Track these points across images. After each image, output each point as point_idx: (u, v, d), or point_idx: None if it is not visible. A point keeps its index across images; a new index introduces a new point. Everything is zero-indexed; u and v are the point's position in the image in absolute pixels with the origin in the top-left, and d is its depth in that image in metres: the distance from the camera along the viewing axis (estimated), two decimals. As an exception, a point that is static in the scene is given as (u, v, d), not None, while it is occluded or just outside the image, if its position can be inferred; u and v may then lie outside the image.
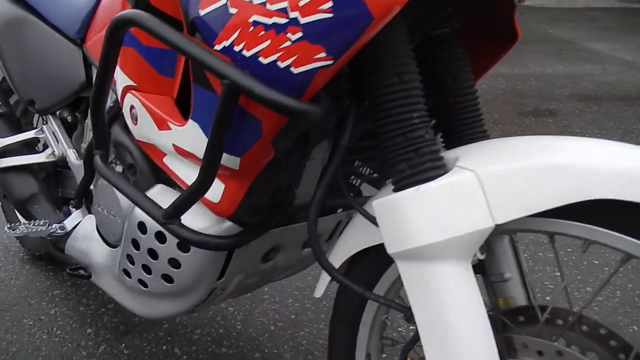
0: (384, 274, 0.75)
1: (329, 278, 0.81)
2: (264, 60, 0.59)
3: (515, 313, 0.69)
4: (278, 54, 0.58)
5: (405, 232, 0.62)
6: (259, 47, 0.59)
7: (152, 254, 0.84)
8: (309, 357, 1.27)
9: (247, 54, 0.60)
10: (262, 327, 1.38)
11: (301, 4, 0.56)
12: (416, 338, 0.71)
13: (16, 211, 1.33)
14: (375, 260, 0.75)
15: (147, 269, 0.86)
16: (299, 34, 0.57)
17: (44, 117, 1.26)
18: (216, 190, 0.73)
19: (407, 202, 0.62)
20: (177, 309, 0.90)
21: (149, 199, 0.77)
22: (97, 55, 1.03)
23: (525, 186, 0.58)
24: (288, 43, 0.57)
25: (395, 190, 0.65)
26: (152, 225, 0.82)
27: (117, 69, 0.86)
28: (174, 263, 0.83)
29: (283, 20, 0.57)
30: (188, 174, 0.76)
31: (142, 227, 0.84)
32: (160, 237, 0.82)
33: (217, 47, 0.62)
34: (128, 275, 0.91)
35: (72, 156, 1.19)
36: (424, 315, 0.64)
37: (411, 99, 0.62)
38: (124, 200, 0.96)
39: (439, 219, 0.60)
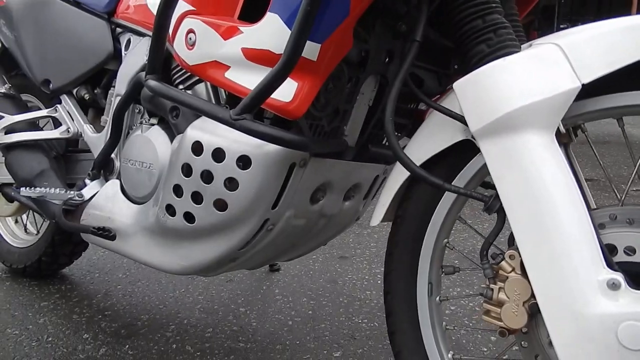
0: (459, 172, 0.74)
1: (388, 202, 0.80)
2: None
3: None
4: None
5: (492, 102, 0.63)
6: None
7: (207, 176, 0.80)
8: (335, 345, 1.19)
9: None
10: (280, 323, 1.29)
11: None
12: (497, 229, 0.70)
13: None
14: (448, 163, 0.75)
15: (197, 197, 0.81)
16: None
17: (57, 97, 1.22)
18: (287, 89, 0.72)
19: (493, 72, 0.63)
20: (224, 248, 0.84)
21: (215, 104, 0.75)
22: (132, 19, 1.05)
23: (605, 45, 0.61)
24: None
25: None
26: (210, 142, 0.79)
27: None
28: (231, 184, 0.79)
29: None
30: (254, 80, 0.75)
31: (197, 147, 0.80)
32: (217, 154, 0.78)
33: None
34: (172, 212, 0.85)
35: (89, 131, 1.15)
36: (513, 192, 0.63)
37: None
38: (162, 145, 0.93)
39: (526, 84, 0.62)
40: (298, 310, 1.35)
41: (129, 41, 1.07)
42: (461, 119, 0.67)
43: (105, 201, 1.02)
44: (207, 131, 0.80)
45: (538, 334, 0.68)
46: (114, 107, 1.03)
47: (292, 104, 0.72)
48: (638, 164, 0.66)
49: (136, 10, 1.05)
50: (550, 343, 0.62)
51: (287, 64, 0.66)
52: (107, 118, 1.11)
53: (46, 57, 1.20)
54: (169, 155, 0.90)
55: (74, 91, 1.20)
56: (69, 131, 1.17)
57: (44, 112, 1.22)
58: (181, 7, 0.83)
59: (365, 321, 1.29)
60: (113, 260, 1.69)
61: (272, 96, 0.71)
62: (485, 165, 0.69)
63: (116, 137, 1.04)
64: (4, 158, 1.22)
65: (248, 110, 0.70)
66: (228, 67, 0.78)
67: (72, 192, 1.05)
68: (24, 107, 1.30)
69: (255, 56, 0.74)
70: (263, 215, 0.81)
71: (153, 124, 0.97)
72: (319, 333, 1.24)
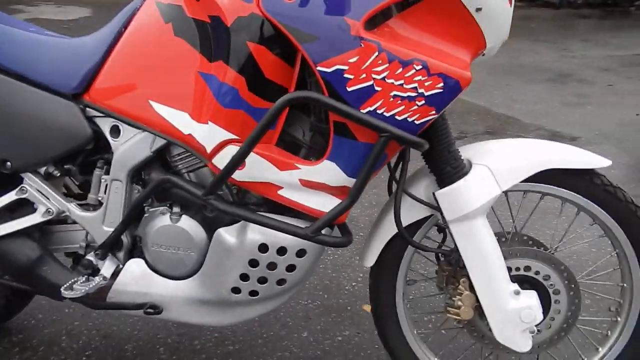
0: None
1: (380, 248, 1.20)
2: (399, 117, 0.97)
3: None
4: (408, 114, 0.97)
5: (461, 204, 1.09)
6: (395, 110, 0.96)
7: (271, 265, 1.08)
8: (301, 322, 1.60)
9: (387, 114, 0.96)
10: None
11: (427, 84, 0.95)
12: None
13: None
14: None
15: (263, 280, 1.09)
16: (423, 101, 0.96)
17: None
18: (332, 203, 1.05)
19: (460, 188, 1.09)
20: (274, 305, 1.16)
21: (288, 222, 1.03)
22: (124, 110, 1.12)
23: (513, 165, 1.11)
24: (415, 107, 0.96)
25: (446, 183, 1.10)
26: (274, 243, 1.06)
27: (200, 126, 1.05)
28: (291, 268, 1.09)
29: (414, 94, 0.96)
30: (307, 198, 1.04)
31: (263, 247, 1.07)
32: (281, 251, 1.07)
33: (363, 111, 0.96)
34: (237, 291, 1.11)
35: (77, 209, 1.21)
36: (471, 252, 1.12)
37: (449, 134, 1.09)
38: (199, 235, 1.14)
39: (478, 193, 1.09)
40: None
41: (116, 128, 1.15)
42: (438, 209, 1.12)
43: (135, 279, 1.17)
44: (269, 235, 1.07)
45: (479, 323, 1.22)
46: (111, 192, 1.15)
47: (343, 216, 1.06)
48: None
49: (131, 103, 1.11)
50: (486, 326, 1.17)
51: (352, 202, 1.00)
52: (96, 197, 1.20)
53: (3, 137, 1.17)
54: (205, 243, 1.13)
55: (41, 169, 1.21)
56: (50, 212, 1.21)
57: (11, 197, 1.20)
58: (218, 134, 1.03)
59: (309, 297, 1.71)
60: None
61: (322, 209, 1.04)
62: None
63: (129, 223, 1.17)
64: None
65: (322, 228, 1.02)
66: (281, 187, 1.05)
67: (96, 279, 1.16)
68: None
69: (312, 185, 1.04)
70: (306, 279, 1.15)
71: (178, 213, 1.15)
72: (284, 320, 1.62)
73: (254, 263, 1.09)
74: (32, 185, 1.21)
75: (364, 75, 0.95)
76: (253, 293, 1.12)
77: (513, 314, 1.13)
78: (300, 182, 1.03)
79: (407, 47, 0.95)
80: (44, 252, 1.20)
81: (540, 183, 1.14)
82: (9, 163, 1.19)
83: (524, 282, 1.17)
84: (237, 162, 1.00)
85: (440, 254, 1.21)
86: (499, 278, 1.13)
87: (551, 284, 1.17)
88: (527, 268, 1.18)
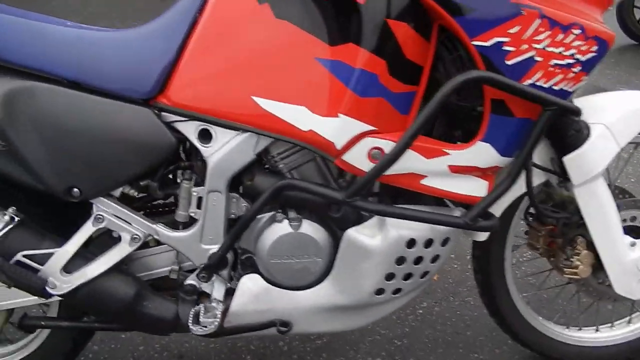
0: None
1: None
2: (556, 87, 0.91)
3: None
4: (565, 82, 0.91)
5: (589, 167, 1.07)
6: (553, 80, 0.90)
7: (418, 260, 1.01)
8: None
9: (545, 85, 0.90)
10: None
11: (583, 49, 0.90)
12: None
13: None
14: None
15: (408, 276, 1.02)
16: (579, 67, 0.91)
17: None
18: (481, 186, 0.99)
19: (587, 151, 1.07)
20: (410, 298, 1.10)
21: (444, 213, 0.96)
22: (197, 105, 0.95)
23: (628, 120, 1.10)
24: (571, 75, 0.91)
25: (572, 148, 1.06)
26: (422, 236, 0.99)
27: (326, 120, 0.93)
28: (435, 259, 1.03)
29: (572, 61, 0.90)
30: (457, 184, 0.97)
31: (411, 242, 0.99)
32: (428, 243, 1.00)
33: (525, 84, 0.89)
34: (380, 292, 1.03)
35: (164, 230, 1.05)
36: (594, 211, 1.12)
37: None
38: (324, 239, 1.04)
39: (602, 154, 1.08)
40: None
41: (205, 132, 0.99)
42: (560, 174, 1.09)
43: (254, 297, 1.06)
44: (416, 228, 0.99)
45: (592, 279, 1.23)
46: (208, 205, 1.01)
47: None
48: None
49: (227, 101, 0.96)
50: (600, 282, 1.20)
51: (512, 182, 0.94)
52: (187, 213, 1.05)
53: (68, 160, 0.98)
54: (331, 246, 1.03)
55: (116, 192, 1.03)
56: (137, 239, 1.04)
57: (88, 229, 1.01)
58: (352, 127, 0.92)
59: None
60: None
61: (470, 193, 0.98)
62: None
63: (238, 237, 1.04)
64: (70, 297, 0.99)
65: (480, 216, 0.96)
66: (424, 177, 0.97)
67: (213, 304, 1.02)
68: (48, 230, 1.02)
69: (461, 170, 0.96)
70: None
71: (297, 218, 1.03)
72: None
73: (400, 260, 1.01)
74: (109, 212, 1.02)
75: (525, 46, 0.87)
76: (397, 291, 1.04)
77: (631, 264, 1.16)
78: (450, 168, 0.95)
79: (562, 10, 0.88)
80: (140, 285, 1.04)
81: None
82: (76, 190, 0.99)
83: (632, 232, 1.20)
84: (396, 156, 0.90)
85: (559, 219, 1.19)
86: (618, 233, 1.14)
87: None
88: (633, 218, 1.21)
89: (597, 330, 1.36)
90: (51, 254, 0.98)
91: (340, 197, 0.95)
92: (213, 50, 0.95)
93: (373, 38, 0.88)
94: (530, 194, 1.06)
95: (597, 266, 1.18)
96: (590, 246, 1.17)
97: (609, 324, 1.37)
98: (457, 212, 1.02)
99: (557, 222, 1.23)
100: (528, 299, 1.37)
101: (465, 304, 1.56)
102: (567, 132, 1.06)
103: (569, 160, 1.07)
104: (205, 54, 0.95)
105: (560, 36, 0.88)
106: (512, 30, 0.86)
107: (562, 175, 1.10)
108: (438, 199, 1.06)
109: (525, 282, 1.61)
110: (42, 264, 0.97)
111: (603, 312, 1.38)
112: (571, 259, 1.20)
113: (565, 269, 1.21)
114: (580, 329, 1.35)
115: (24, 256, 0.96)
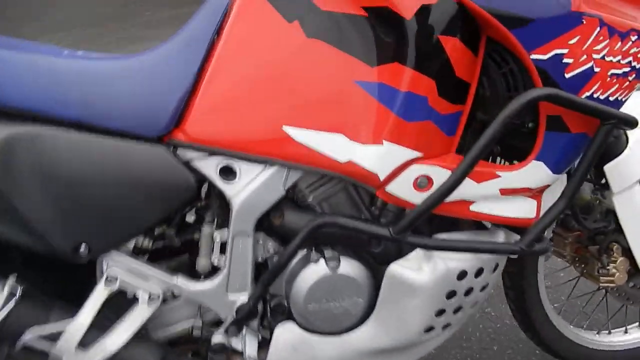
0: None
1: None
2: (611, 98, 0.85)
3: None
4: (620, 92, 0.85)
5: (630, 174, 1.04)
6: (610, 90, 0.84)
7: (468, 291, 0.93)
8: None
9: (602, 97, 0.83)
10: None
11: (639, 56, 0.84)
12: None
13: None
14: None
15: (458, 310, 0.94)
16: (634, 75, 0.85)
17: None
18: (531, 207, 0.92)
19: (627, 158, 1.02)
20: (453, 330, 1.02)
21: (498, 242, 0.88)
22: (219, 139, 0.83)
23: None
24: (626, 84, 0.85)
25: (612, 156, 1.02)
26: (473, 266, 0.90)
27: (367, 148, 0.83)
28: (484, 287, 0.95)
29: (628, 69, 0.84)
30: (508, 207, 0.90)
31: (462, 274, 0.90)
32: (478, 273, 0.92)
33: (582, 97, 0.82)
34: (429, 330, 0.94)
35: (186, 283, 0.92)
36: (632, 217, 1.08)
37: None
38: (365, 278, 0.94)
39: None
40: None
41: (228, 169, 0.87)
42: (601, 185, 1.05)
43: (292, 348, 0.95)
44: (465, 259, 0.91)
45: (625, 284, 1.20)
46: (234, 249, 0.90)
47: (536, 218, 0.93)
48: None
49: (253, 133, 0.84)
50: (632, 286, 1.17)
51: (568, 202, 0.88)
52: (209, 261, 0.93)
53: (73, 214, 0.83)
54: (372, 284, 0.94)
55: (129, 244, 0.90)
56: (156, 297, 0.90)
57: (100, 294, 0.86)
58: (399, 154, 0.83)
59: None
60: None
61: (520, 216, 0.91)
62: None
63: (270, 284, 0.93)
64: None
65: (536, 240, 0.89)
66: (472, 202, 0.89)
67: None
68: (50, 293, 0.87)
69: (512, 192, 0.89)
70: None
71: (335, 257, 0.92)
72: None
73: (451, 294, 0.93)
74: (121, 268, 0.88)
75: (584, 57, 0.80)
76: (446, 326, 0.96)
77: None
78: (501, 191, 0.87)
79: (619, 16, 0.81)
80: (165, 352, 0.90)
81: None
82: (83, 247, 0.85)
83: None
84: (454, 185, 0.81)
85: (594, 229, 1.14)
86: None
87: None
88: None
89: (626, 331, 1.33)
90: (62, 330, 0.83)
91: (389, 234, 0.86)
92: (235, 75, 0.83)
93: (421, 56, 0.78)
94: (574, 207, 1.01)
95: (633, 272, 1.16)
96: (625, 252, 1.14)
97: (637, 323, 1.35)
98: (502, 235, 0.95)
99: (591, 229, 1.18)
100: (559, 309, 1.33)
101: (486, 315, 1.51)
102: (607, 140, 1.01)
103: (609, 168, 1.02)
104: (227, 80, 0.83)
105: (619, 44, 0.81)
106: (572, 41, 0.79)
107: (598, 182, 1.06)
108: (478, 223, 0.99)
109: (555, 291, 1.57)
110: (53, 341, 0.83)
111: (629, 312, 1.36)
112: (607, 267, 1.16)
113: (601, 277, 1.17)
114: (610, 333, 1.33)
115: (32, 337, 0.81)
